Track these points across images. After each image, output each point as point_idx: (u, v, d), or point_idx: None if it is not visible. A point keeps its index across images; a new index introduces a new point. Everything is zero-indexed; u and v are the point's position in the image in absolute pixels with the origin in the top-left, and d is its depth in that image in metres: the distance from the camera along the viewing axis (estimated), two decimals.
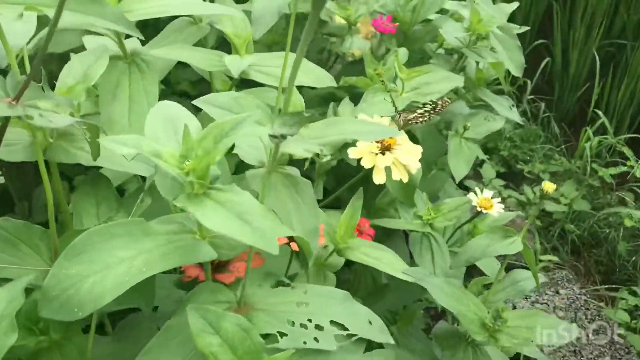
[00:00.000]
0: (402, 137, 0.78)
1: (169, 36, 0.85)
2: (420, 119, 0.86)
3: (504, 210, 0.88)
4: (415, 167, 0.77)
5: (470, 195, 0.93)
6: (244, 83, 0.91)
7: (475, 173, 1.81)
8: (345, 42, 1.03)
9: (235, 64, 0.72)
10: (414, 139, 1.19)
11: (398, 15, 1.14)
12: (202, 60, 0.77)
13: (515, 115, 1.18)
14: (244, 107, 0.58)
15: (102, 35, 0.73)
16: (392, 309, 0.97)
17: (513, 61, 1.12)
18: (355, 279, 1.14)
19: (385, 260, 0.78)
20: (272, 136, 0.36)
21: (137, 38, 0.73)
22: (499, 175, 1.84)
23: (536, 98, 2.02)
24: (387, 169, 0.80)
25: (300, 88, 1.16)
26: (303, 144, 0.43)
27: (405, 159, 0.75)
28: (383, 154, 0.76)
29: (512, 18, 2.13)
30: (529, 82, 1.99)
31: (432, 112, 0.86)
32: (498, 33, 1.12)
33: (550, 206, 1.69)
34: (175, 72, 1.21)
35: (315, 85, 0.81)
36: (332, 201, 0.95)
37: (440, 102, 0.86)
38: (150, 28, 0.95)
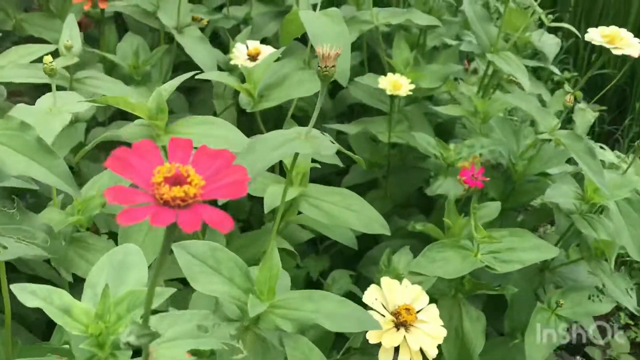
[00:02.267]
0: (430, 313, 0.69)
1: None
2: None
3: None
4: (433, 353, 0.66)
5: None
6: None
7: None
8: (435, 183, 0.96)
9: (272, 196, 0.70)
10: (502, 301, 1.07)
11: (509, 163, 1.05)
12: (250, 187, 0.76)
13: (630, 303, 1.00)
14: (220, 262, 0.55)
15: None
16: None
17: (635, 241, 0.97)
18: None
19: None
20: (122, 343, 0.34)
21: None
22: None
23: None
24: None
25: None
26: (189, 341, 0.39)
27: (419, 341, 0.65)
28: (397, 328, 0.67)
29: None
30: None
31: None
32: (622, 204, 0.98)
33: None
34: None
35: (362, 230, 0.77)
36: None
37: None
38: None
